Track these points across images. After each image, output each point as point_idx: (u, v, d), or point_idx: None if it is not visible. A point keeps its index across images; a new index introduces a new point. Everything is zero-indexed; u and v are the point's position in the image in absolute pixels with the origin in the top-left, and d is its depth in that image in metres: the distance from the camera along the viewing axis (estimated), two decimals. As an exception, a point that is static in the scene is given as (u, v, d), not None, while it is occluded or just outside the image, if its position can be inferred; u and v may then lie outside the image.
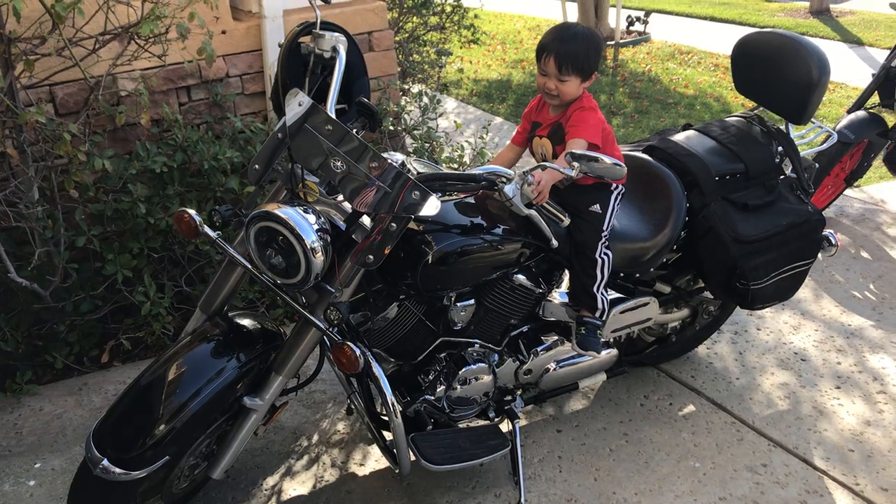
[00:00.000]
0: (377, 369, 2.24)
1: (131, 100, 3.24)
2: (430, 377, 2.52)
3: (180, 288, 3.33)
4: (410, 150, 4.22)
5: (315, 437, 2.91)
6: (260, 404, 2.24)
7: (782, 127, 2.93)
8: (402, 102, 4.27)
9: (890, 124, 4.44)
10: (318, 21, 2.27)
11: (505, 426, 2.72)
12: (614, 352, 2.85)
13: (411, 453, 2.40)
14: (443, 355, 2.52)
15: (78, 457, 2.72)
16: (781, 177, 2.86)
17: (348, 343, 2.03)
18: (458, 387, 2.51)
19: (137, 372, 2.27)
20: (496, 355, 2.61)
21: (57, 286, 3.09)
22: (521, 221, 2.36)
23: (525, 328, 2.67)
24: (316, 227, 2.01)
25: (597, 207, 2.46)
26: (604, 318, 2.60)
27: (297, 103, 2.04)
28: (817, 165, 3.88)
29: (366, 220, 2.10)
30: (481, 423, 2.67)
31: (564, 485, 2.70)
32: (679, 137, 2.90)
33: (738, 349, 3.44)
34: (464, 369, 2.50)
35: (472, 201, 2.42)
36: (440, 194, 2.15)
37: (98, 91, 3.03)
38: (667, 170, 2.76)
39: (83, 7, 2.70)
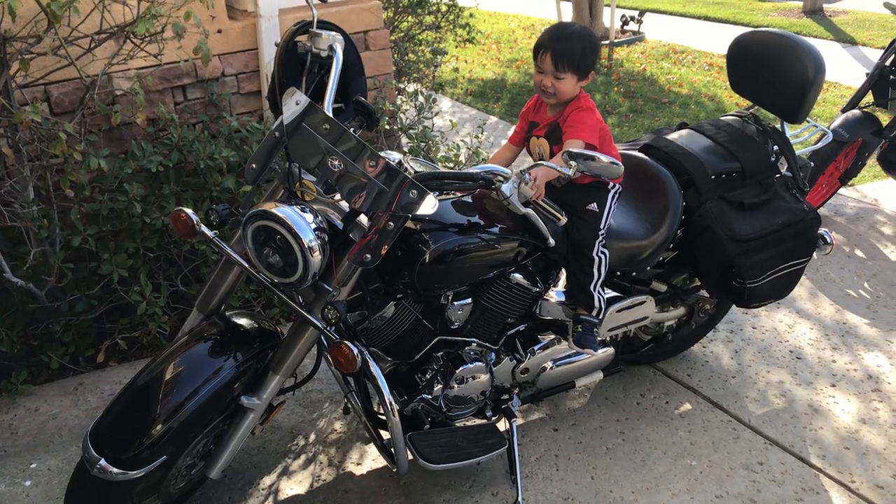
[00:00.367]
0: (374, 368, 2.25)
1: (127, 99, 3.23)
2: (428, 376, 2.52)
3: (176, 287, 3.33)
4: (406, 149, 4.22)
5: (312, 437, 2.90)
6: (257, 404, 2.23)
7: (778, 126, 2.94)
8: (398, 102, 4.26)
9: (884, 123, 4.46)
10: (315, 20, 2.26)
11: (502, 425, 2.72)
12: (611, 350, 2.85)
13: (409, 452, 2.41)
14: (440, 354, 2.52)
15: (74, 457, 2.72)
16: (777, 175, 2.87)
17: (346, 342, 2.03)
18: (456, 386, 2.52)
19: (133, 372, 2.26)
20: (493, 354, 2.61)
21: (52, 286, 3.08)
22: (518, 220, 2.37)
23: (522, 327, 2.67)
24: (313, 225, 2.01)
25: (594, 206, 2.47)
26: (600, 317, 2.61)
27: (295, 102, 2.04)
28: (812, 164, 3.90)
29: (363, 219, 2.10)
30: (478, 422, 2.67)
31: (561, 483, 2.70)
32: (675, 136, 2.91)
33: (734, 348, 3.45)
34: (461, 368, 2.50)
35: (470, 200, 2.42)
36: (437, 193, 2.14)
37: (94, 90, 3.02)
38: (663, 168, 2.76)
39: (79, 6, 2.69)
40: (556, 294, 2.68)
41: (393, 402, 2.28)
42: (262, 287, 2.30)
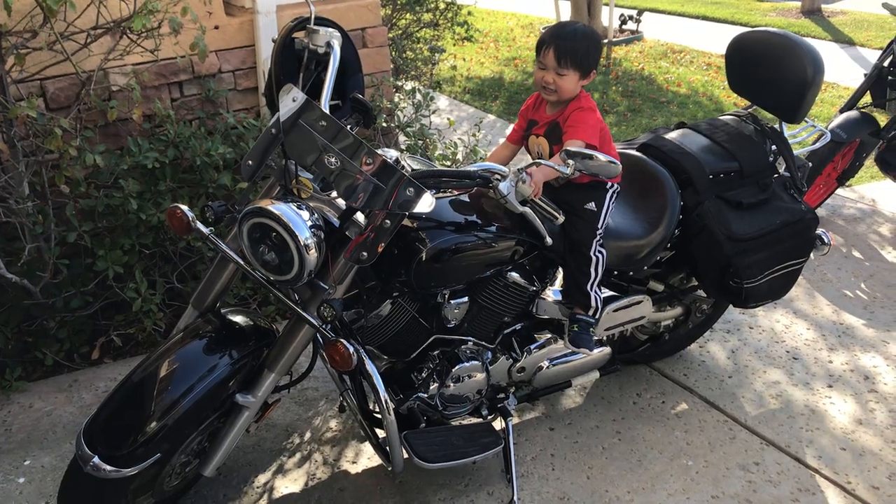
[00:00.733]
0: (370, 367, 2.24)
1: (123, 95, 3.21)
2: (424, 375, 2.51)
3: (172, 284, 3.32)
4: (403, 147, 4.21)
5: (307, 435, 2.90)
6: (252, 401, 2.22)
7: (776, 125, 2.94)
8: (396, 99, 4.25)
9: (882, 124, 4.46)
10: (312, 16, 2.25)
11: (498, 424, 2.71)
12: (607, 350, 2.85)
13: (404, 451, 2.40)
14: (436, 353, 2.51)
15: (68, 454, 2.71)
16: (775, 175, 2.87)
17: (341, 340, 2.02)
18: (452, 384, 2.51)
19: (128, 369, 2.25)
20: (489, 353, 2.60)
21: (47, 282, 3.07)
22: (515, 219, 2.36)
23: (518, 326, 2.66)
24: (309, 223, 2.00)
25: (592, 205, 2.46)
26: (597, 316, 2.60)
27: (291, 99, 2.03)
28: (810, 164, 3.89)
29: (360, 216, 2.08)
30: (474, 420, 2.66)
31: (557, 483, 2.69)
32: (673, 135, 2.90)
33: (731, 347, 3.45)
34: (457, 367, 2.49)
35: (467, 198, 2.41)
36: (434, 191, 2.14)
37: (89, 86, 3.01)
38: (661, 168, 2.76)
39: (75, 1, 2.68)
40: (552, 293, 2.67)
41: (388, 401, 2.28)
42: (258, 285, 2.29)
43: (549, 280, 2.66)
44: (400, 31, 5.96)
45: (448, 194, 2.39)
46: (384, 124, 3.99)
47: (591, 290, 2.52)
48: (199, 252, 3.33)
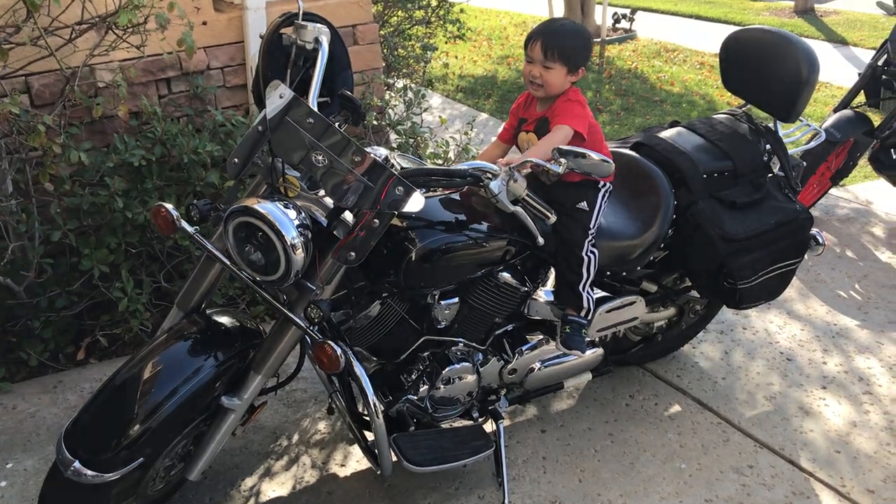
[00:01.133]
0: (358, 369, 2.21)
1: (109, 91, 3.16)
2: (413, 376, 2.48)
3: (159, 284, 3.27)
4: (395, 145, 4.18)
5: (295, 437, 2.86)
6: (238, 404, 2.18)
7: (770, 124, 2.91)
8: (387, 97, 4.22)
9: (875, 123, 4.44)
10: (301, 11, 2.22)
11: (489, 427, 2.67)
12: (600, 351, 2.82)
13: (393, 454, 2.37)
14: (426, 354, 2.48)
15: (52, 457, 2.62)
16: (769, 175, 2.84)
17: (329, 342, 1.98)
18: (442, 386, 2.48)
19: (114, 369, 2.20)
20: (480, 354, 2.57)
21: (31, 281, 3.02)
22: (506, 218, 2.32)
23: (510, 327, 2.63)
24: (296, 222, 1.96)
25: (584, 205, 2.43)
26: (589, 317, 2.57)
27: (279, 95, 1.98)
28: (804, 164, 3.87)
29: (348, 215, 2.05)
30: (465, 423, 2.63)
31: (549, 486, 2.66)
32: (667, 134, 2.87)
33: (724, 349, 3.42)
34: (447, 369, 2.46)
35: (457, 197, 2.37)
36: (424, 190, 2.11)
37: (74, 82, 2.96)
38: (654, 167, 2.73)
39: (59, -5, 2.64)
40: (544, 294, 2.64)
41: (377, 403, 2.24)
42: (244, 285, 2.25)
43: (540, 280, 2.63)
44: (392, 29, 5.92)
45: (438, 193, 2.35)
46: (375, 122, 3.96)
47: (584, 290, 2.48)
48: (186, 251, 3.29)
